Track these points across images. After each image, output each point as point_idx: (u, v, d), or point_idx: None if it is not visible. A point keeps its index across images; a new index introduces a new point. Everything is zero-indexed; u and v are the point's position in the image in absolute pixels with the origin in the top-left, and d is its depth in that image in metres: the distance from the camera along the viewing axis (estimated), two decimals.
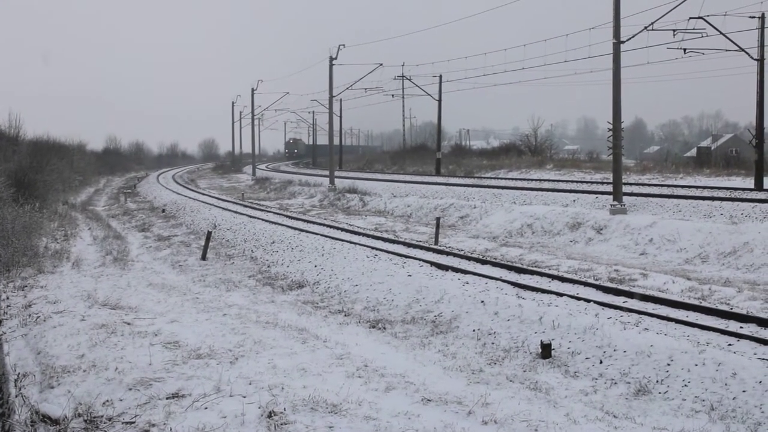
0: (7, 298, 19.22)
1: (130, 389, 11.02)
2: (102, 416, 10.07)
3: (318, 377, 11.72)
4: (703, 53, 36.35)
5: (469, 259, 22.97)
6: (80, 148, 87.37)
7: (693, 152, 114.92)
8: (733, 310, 15.43)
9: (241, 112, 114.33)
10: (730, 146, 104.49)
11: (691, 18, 33.46)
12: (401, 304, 17.78)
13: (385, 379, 11.72)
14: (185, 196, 54.08)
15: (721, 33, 35.23)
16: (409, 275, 19.62)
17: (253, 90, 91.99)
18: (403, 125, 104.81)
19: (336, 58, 56.14)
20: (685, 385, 11.31)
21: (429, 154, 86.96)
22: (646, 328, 13.67)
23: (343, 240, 27.04)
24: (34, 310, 17.30)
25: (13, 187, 34.50)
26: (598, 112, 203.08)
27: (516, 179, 55.19)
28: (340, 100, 79.57)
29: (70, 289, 20.21)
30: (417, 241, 27.75)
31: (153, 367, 12.11)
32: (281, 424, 9.54)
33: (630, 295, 17.19)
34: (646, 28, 31.56)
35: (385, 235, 29.27)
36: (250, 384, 11.18)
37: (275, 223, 33.44)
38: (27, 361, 13.36)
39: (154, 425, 9.67)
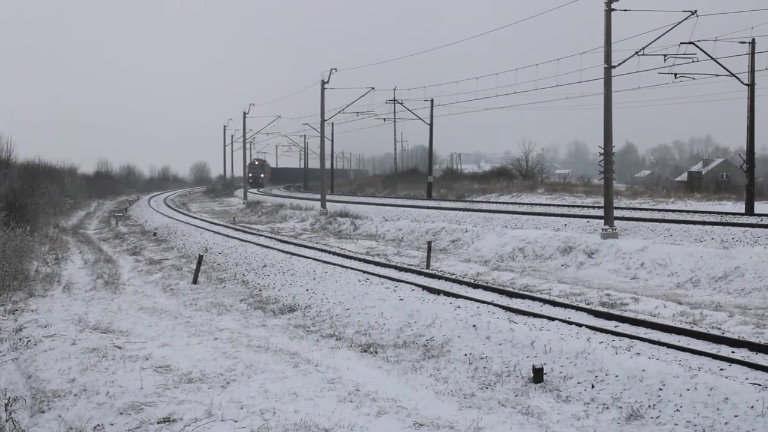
0: None
1: (121, 413, 10.99)
2: None
3: (310, 401, 11.71)
4: (694, 78, 36.55)
5: (460, 283, 22.97)
6: (71, 172, 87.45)
7: (684, 176, 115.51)
8: (725, 335, 15.45)
9: (232, 136, 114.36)
10: (720, 171, 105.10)
11: (681, 43, 33.68)
12: (393, 328, 17.75)
13: (377, 404, 11.71)
14: (176, 220, 54.02)
15: (711, 58, 35.44)
16: (401, 299, 19.61)
17: (244, 114, 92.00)
18: (395, 149, 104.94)
19: (328, 82, 56.31)
20: (677, 410, 11.30)
21: (420, 178, 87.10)
22: (638, 353, 13.67)
23: (334, 264, 27.02)
24: (25, 334, 17.26)
25: (4, 211, 34.50)
26: (590, 136, 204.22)
27: (507, 203, 55.26)
28: (332, 123, 79.73)
29: (61, 313, 20.16)
30: (409, 264, 27.75)
31: (144, 391, 12.08)
32: None
33: (621, 319, 17.20)
34: (637, 53, 31.75)
35: (376, 259, 29.26)
36: (241, 408, 11.16)
37: (267, 247, 33.42)
38: (18, 386, 13.32)
39: None
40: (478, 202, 59.26)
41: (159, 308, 21.53)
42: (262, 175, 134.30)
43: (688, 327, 16.26)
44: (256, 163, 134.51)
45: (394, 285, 22.06)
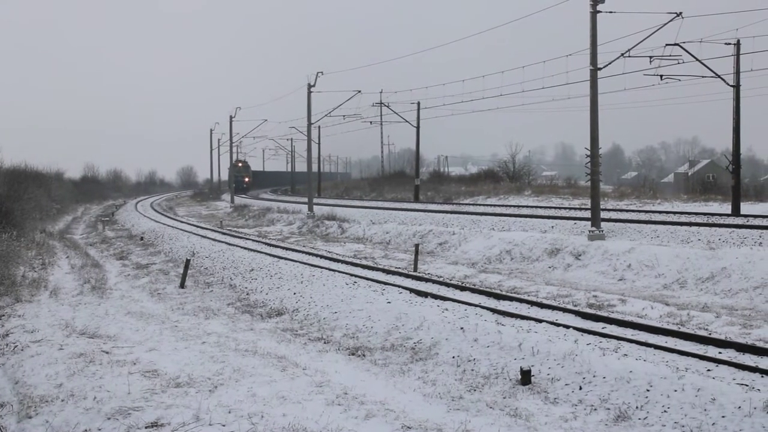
0: None
1: (109, 418, 10.94)
2: None
3: (297, 405, 11.68)
4: (680, 80, 36.72)
5: (448, 285, 22.98)
6: (58, 177, 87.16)
7: (670, 178, 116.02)
8: (712, 336, 15.50)
9: (219, 140, 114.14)
10: (707, 172, 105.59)
11: (667, 45, 33.83)
12: (380, 331, 17.74)
13: (365, 407, 11.70)
14: (163, 224, 53.86)
15: (697, 60, 35.62)
16: (389, 302, 19.60)
17: (231, 117, 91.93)
18: (382, 152, 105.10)
19: (314, 86, 56.24)
20: (665, 411, 11.33)
21: (407, 181, 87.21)
22: (626, 354, 13.71)
23: (321, 267, 26.98)
24: (12, 340, 17.17)
25: None
26: (576, 138, 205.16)
27: (494, 205, 55.36)
28: (319, 127, 79.62)
29: (47, 318, 20.07)
30: (396, 267, 27.74)
31: (132, 396, 12.03)
32: None
33: (609, 321, 17.23)
34: (622, 54, 31.86)
35: (364, 262, 29.24)
36: (229, 412, 11.13)
37: (254, 251, 33.36)
38: (4, 391, 13.26)
39: None
40: (465, 204, 59.32)
41: (146, 313, 21.46)
42: (247, 179, 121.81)
43: (675, 328, 16.31)
44: (239, 165, 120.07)
45: (381, 288, 22.05)
